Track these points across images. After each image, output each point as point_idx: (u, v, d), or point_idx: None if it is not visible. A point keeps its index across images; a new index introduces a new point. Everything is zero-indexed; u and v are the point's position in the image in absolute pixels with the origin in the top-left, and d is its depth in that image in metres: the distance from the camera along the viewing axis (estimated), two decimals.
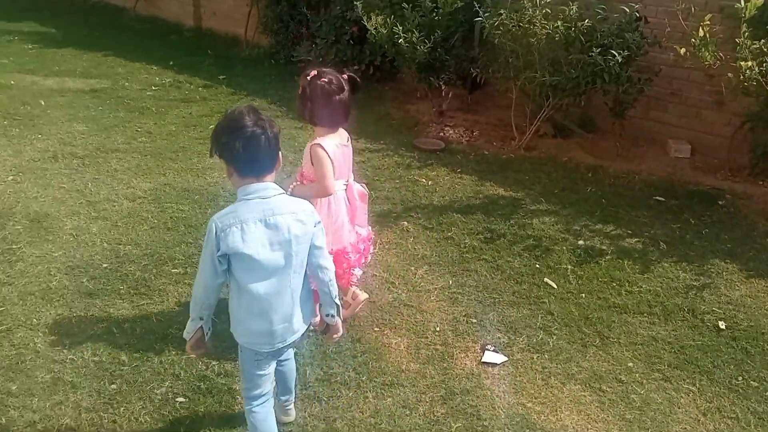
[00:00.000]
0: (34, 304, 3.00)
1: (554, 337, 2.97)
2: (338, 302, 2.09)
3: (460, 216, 4.08)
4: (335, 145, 2.62)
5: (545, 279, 3.42)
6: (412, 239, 3.77)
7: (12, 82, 6.31)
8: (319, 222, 1.98)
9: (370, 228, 2.96)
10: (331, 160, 2.56)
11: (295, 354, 2.46)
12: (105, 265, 3.26)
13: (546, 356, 2.85)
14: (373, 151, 5.20)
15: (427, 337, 2.94)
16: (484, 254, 3.63)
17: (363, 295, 2.95)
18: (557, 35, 4.74)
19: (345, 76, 2.60)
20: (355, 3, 5.75)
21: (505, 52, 5.20)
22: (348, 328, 2.87)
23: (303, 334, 2.06)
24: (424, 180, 4.65)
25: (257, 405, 2.07)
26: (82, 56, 7.37)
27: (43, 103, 5.56)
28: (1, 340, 2.76)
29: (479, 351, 2.86)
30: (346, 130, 2.74)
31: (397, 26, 5.48)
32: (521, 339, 2.95)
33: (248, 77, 7.05)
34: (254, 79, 6.99)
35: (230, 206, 1.88)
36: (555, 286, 3.36)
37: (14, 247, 3.46)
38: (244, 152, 1.82)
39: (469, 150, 5.40)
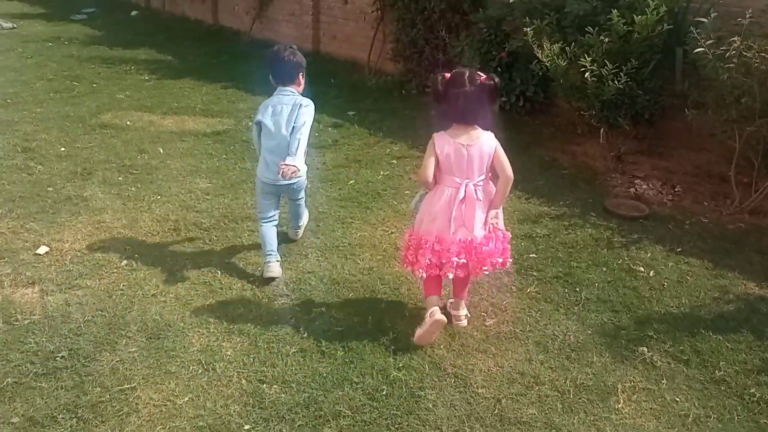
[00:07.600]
0: None
1: None
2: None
3: (719, 338, 2.86)
4: (453, 143, 2.64)
5: None
6: (665, 382, 2.59)
7: (128, 123, 5.70)
8: (305, 106, 3.22)
9: (483, 233, 2.72)
10: (436, 155, 2.65)
11: None
12: (246, 427, 2.28)
13: None
14: (555, 217, 4.05)
15: None
16: None
17: (438, 316, 2.68)
18: None
19: (483, 76, 2.60)
20: (525, 30, 4.64)
21: (730, 89, 3.94)
22: None
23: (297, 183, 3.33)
24: (641, 268, 3.45)
25: (263, 222, 3.35)
26: (200, 89, 6.75)
27: (161, 150, 4.87)
28: None
29: None
30: (483, 128, 2.68)
31: (584, 56, 4.32)
32: None
33: (380, 112, 6.12)
34: (387, 114, 6.06)
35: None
36: None
37: (126, 388, 2.45)
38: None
39: (680, 215, 4.15)
